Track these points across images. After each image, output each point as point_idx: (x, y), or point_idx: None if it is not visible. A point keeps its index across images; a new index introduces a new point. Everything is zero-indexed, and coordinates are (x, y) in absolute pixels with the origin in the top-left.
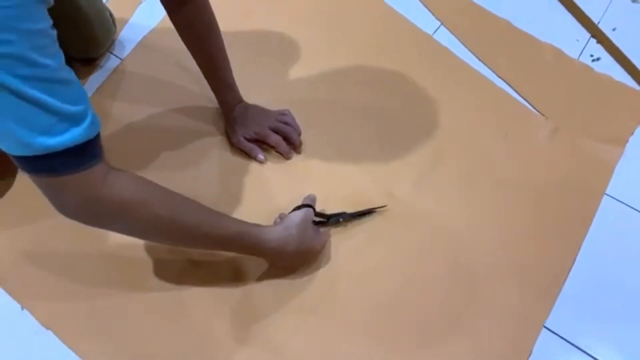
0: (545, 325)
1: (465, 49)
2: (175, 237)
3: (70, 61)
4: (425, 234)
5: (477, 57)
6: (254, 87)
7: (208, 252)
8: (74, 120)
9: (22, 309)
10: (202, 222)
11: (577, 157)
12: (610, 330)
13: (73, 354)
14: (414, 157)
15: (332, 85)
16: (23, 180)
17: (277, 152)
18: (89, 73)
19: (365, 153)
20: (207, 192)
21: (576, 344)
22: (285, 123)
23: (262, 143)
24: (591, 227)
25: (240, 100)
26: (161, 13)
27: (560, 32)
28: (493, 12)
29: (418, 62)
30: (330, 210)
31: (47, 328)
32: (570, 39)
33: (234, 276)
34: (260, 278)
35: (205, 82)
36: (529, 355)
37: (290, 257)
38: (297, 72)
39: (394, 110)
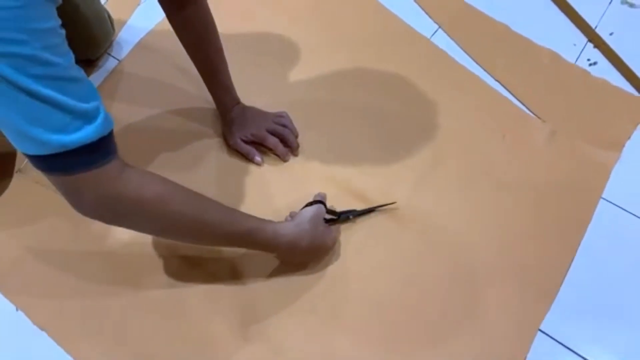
0: (541, 328)
1: (463, 52)
2: (190, 233)
3: None
4: (424, 235)
5: (474, 60)
6: (252, 89)
7: (207, 251)
8: (87, 117)
9: (17, 310)
10: (217, 218)
11: (574, 161)
12: (605, 334)
13: (68, 356)
14: (412, 159)
15: (330, 87)
16: (20, 181)
17: (274, 154)
18: (87, 74)
19: (364, 155)
20: (204, 193)
21: (571, 347)
22: (283, 125)
23: (260, 145)
24: (587, 231)
25: (237, 102)
26: (159, 15)
27: (558, 36)
28: (491, 16)
29: (416, 65)
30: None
31: (42, 329)
32: (568, 43)
33: (234, 275)
34: (261, 277)
35: (203, 83)
36: (525, 358)
37: (302, 252)
38: (295, 74)
39: (392, 113)
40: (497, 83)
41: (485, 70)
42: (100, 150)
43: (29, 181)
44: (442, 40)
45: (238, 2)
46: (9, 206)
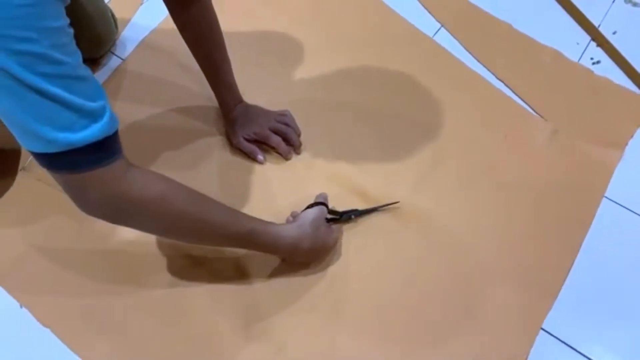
0: (543, 327)
1: (466, 51)
2: (192, 233)
3: None
4: (424, 234)
5: (477, 59)
6: (254, 88)
7: (209, 251)
8: (94, 116)
9: (21, 307)
10: (220, 219)
11: (576, 160)
12: (607, 333)
13: (72, 353)
14: (413, 158)
15: (332, 86)
16: (24, 179)
17: (277, 152)
18: None
19: (365, 154)
20: (206, 192)
21: (574, 346)
22: (285, 124)
23: (262, 144)
24: (590, 230)
25: (240, 100)
26: (162, 13)
27: (561, 35)
28: (494, 15)
29: (418, 64)
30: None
31: (46, 326)
32: (571, 42)
33: (237, 275)
34: (262, 276)
35: (206, 82)
36: (527, 357)
37: (304, 254)
38: (298, 73)
39: (394, 112)
40: (499, 82)
41: (487, 69)
42: (105, 149)
43: (32, 179)
44: (445, 39)
45: (240, 1)
46: (12, 204)
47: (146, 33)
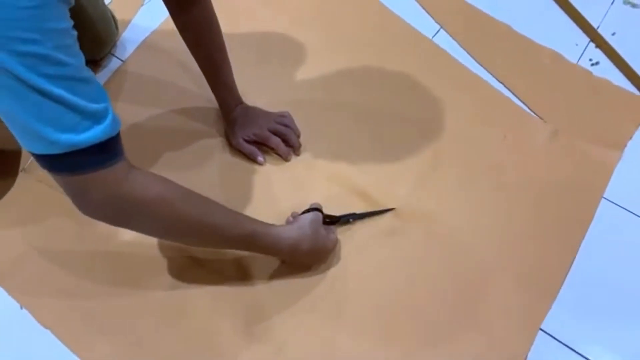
0: (542, 327)
1: (465, 53)
2: (193, 235)
3: None
4: (424, 235)
5: (476, 60)
6: (254, 89)
7: (210, 252)
8: (96, 118)
9: (21, 308)
10: (222, 221)
11: (575, 161)
12: (606, 334)
13: (72, 354)
14: (413, 159)
15: (331, 87)
16: (24, 181)
17: (276, 154)
18: None
19: (365, 155)
20: (205, 193)
21: (572, 347)
22: (285, 125)
23: (262, 145)
24: (589, 230)
25: (240, 101)
26: (162, 15)
27: (560, 36)
28: (493, 16)
29: (418, 65)
30: (332, 211)
31: (46, 328)
32: (570, 43)
33: (237, 276)
34: (263, 277)
35: (205, 83)
36: (526, 357)
37: (304, 255)
38: (297, 74)
39: (393, 112)
40: (498, 83)
41: (486, 70)
42: (108, 151)
43: (33, 180)
44: (444, 41)
45: (240, 2)
46: (13, 205)
47: (146, 34)
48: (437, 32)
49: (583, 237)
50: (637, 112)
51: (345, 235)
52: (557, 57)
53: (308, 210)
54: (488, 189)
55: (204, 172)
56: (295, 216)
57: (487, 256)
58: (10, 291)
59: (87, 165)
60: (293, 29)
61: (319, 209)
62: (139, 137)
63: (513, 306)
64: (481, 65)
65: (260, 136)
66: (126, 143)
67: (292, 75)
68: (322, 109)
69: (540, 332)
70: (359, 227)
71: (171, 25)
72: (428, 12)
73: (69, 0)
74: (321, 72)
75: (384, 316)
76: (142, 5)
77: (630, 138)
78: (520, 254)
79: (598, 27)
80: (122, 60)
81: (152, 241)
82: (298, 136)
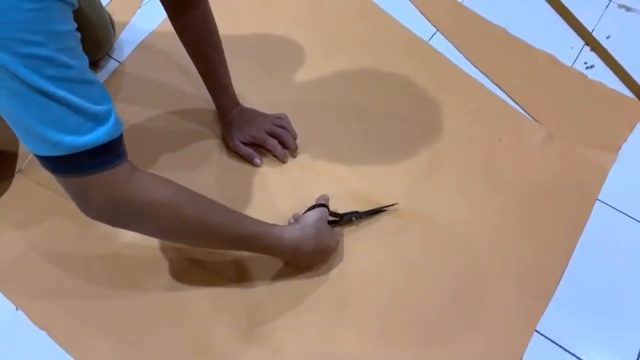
0: (537, 329)
1: (461, 55)
2: (196, 236)
3: None
4: (422, 236)
5: (472, 63)
6: (251, 91)
7: (209, 253)
8: (99, 119)
9: (17, 309)
10: (225, 223)
11: (570, 163)
12: (601, 334)
13: (69, 356)
14: (410, 161)
15: (328, 89)
16: (21, 182)
17: (273, 155)
18: None
19: (362, 157)
20: (204, 195)
21: (567, 348)
22: (282, 127)
23: (259, 147)
24: (584, 233)
25: (237, 103)
26: (159, 17)
27: (555, 39)
28: (488, 19)
29: (414, 68)
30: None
31: (42, 329)
32: (565, 47)
33: (236, 277)
34: (263, 278)
35: (203, 85)
36: (521, 359)
37: (307, 256)
38: (294, 76)
39: (390, 115)
40: (494, 86)
41: (482, 72)
42: (111, 152)
43: (29, 182)
44: (440, 43)
45: (238, 4)
46: (9, 207)
47: (143, 36)
48: (434, 34)
49: (578, 239)
50: (631, 114)
51: (347, 237)
52: (552, 60)
53: (314, 207)
54: (484, 190)
55: (200, 173)
56: (297, 217)
57: (483, 258)
58: (6, 293)
59: (90, 167)
60: (290, 32)
61: (325, 205)
62: (136, 139)
63: (509, 307)
64: (477, 67)
65: (257, 138)
66: None
67: (289, 77)
68: (319, 111)
69: (535, 333)
70: (361, 228)
71: (168, 27)
72: (424, 15)
73: (72, 3)
74: (318, 74)
75: (384, 317)
76: (139, 7)
77: (625, 140)
78: (516, 256)
79: (593, 30)
80: (119, 62)
81: (150, 243)
82: (295, 138)
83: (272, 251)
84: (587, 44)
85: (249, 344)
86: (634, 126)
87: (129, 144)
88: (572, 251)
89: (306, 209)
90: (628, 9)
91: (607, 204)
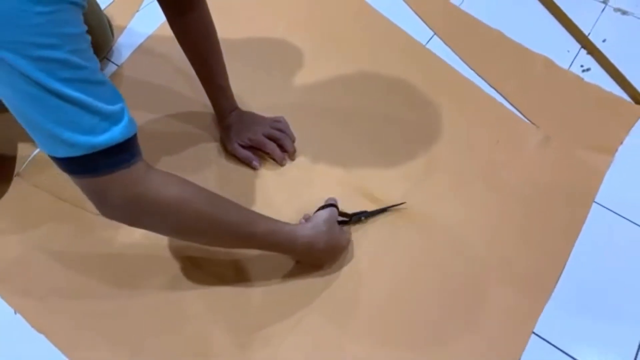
0: (534, 331)
1: (458, 59)
2: (210, 234)
3: None
4: (420, 237)
5: (469, 66)
6: (249, 94)
7: (209, 254)
8: (113, 119)
9: (15, 313)
10: (240, 220)
11: (567, 166)
12: (597, 336)
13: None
14: (407, 164)
15: (326, 92)
16: (19, 186)
17: (271, 158)
18: None
19: (360, 159)
20: None
21: (564, 350)
22: (280, 130)
23: (257, 150)
24: (581, 235)
25: (235, 107)
26: (157, 21)
27: (552, 42)
28: (486, 23)
29: (412, 71)
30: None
31: (40, 332)
32: (561, 50)
33: (235, 278)
34: (262, 279)
35: (201, 88)
36: None
37: (319, 253)
38: (292, 79)
39: (388, 118)
40: (491, 88)
41: (479, 76)
42: (126, 151)
43: (27, 185)
44: (438, 47)
45: (236, 7)
46: (7, 210)
47: (141, 40)
48: (431, 38)
49: (575, 241)
50: (627, 117)
51: (355, 236)
52: (548, 63)
53: (324, 207)
54: (480, 193)
55: (199, 177)
56: (307, 217)
57: (481, 260)
58: (4, 296)
59: (106, 167)
60: (288, 35)
61: (334, 205)
62: None
63: (506, 309)
64: (474, 71)
65: (255, 141)
66: None
67: (287, 81)
68: (317, 114)
69: (532, 335)
70: (368, 227)
71: (167, 31)
72: (422, 19)
73: (83, 5)
74: (316, 77)
75: (386, 317)
76: (137, 11)
77: (621, 143)
78: (513, 258)
79: (589, 33)
80: (117, 65)
81: (149, 245)
82: (293, 141)
83: (285, 248)
84: (583, 47)
85: (249, 344)
86: (630, 129)
87: None
88: (569, 253)
89: (316, 209)
90: (624, 13)
91: (604, 206)
